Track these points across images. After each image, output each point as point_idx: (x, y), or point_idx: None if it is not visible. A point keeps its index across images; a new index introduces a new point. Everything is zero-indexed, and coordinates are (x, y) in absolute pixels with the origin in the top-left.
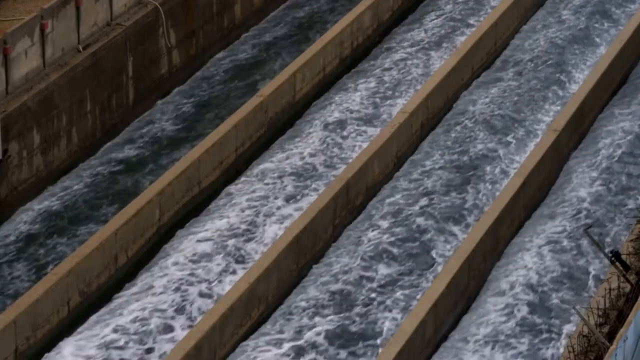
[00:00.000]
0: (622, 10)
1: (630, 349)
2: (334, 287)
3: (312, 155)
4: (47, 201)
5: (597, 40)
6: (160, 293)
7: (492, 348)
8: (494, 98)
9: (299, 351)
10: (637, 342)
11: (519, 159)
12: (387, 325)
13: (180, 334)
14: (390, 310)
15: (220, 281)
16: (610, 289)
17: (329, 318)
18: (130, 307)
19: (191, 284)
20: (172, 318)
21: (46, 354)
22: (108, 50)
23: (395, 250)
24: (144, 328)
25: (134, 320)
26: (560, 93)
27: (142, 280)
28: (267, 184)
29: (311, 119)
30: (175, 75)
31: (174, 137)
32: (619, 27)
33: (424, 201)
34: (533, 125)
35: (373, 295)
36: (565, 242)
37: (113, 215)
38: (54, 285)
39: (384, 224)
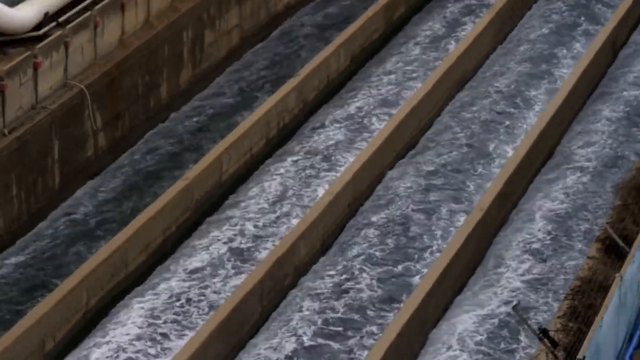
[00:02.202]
0: (550, 80)
1: None
2: None
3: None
4: None
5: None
6: None
7: None
8: (420, 176)
9: None
10: None
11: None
12: None
13: None
14: None
15: None
16: None
17: None
18: None
19: None
20: None
21: None
22: (33, 134)
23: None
24: None
25: None
26: (490, 167)
27: None
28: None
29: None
30: (101, 157)
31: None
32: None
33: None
34: (463, 204)
35: None
36: (492, 320)
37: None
38: None
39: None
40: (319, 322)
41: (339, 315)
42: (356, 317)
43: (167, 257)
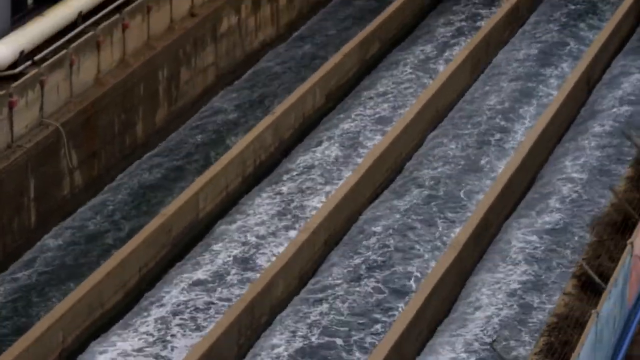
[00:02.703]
0: (519, 122)
1: None
2: None
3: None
4: None
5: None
6: None
7: None
8: (398, 215)
9: None
10: None
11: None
12: None
13: None
14: None
15: None
16: None
17: None
18: None
19: None
20: None
21: None
22: (9, 172)
23: None
24: None
25: None
26: (465, 207)
27: None
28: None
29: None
30: (77, 196)
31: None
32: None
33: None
34: (437, 242)
35: None
36: (471, 358)
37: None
38: None
39: None
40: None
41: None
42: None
43: (143, 293)
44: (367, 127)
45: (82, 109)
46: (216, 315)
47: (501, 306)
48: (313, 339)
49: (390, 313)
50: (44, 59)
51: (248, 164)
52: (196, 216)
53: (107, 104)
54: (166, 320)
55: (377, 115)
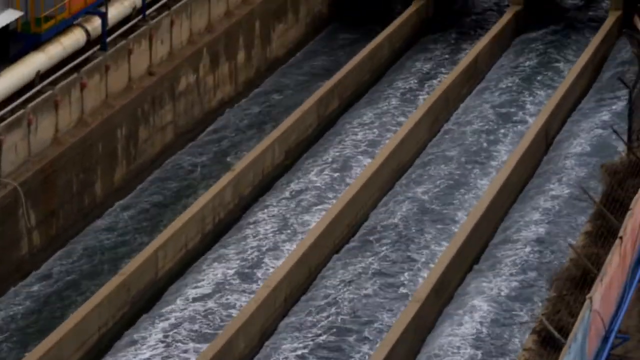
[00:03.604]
0: (478, 176)
1: None
2: None
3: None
4: None
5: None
6: None
7: None
8: (355, 274)
9: None
10: None
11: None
12: None
13: None
14: None
15: None
16: None
17: None
18: None
19: None
20: None
21: None
22: None
23: None
24: None
25: None
26: (424, 260)
27: None
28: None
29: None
30: (36, 256)
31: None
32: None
33: None
34: (395, 305)
35: None
36: None
37: None
38: None
39: None
40: None
41: None
42: None
43: (103, 353)
44: (356, 154)
45: (40, 168)
46: None
47: None
48: None
49: None
50: (1, 119)
51: (207, 222)
52: (155, 275)
53: (66, 163)
54: None
55: (363, 144)
